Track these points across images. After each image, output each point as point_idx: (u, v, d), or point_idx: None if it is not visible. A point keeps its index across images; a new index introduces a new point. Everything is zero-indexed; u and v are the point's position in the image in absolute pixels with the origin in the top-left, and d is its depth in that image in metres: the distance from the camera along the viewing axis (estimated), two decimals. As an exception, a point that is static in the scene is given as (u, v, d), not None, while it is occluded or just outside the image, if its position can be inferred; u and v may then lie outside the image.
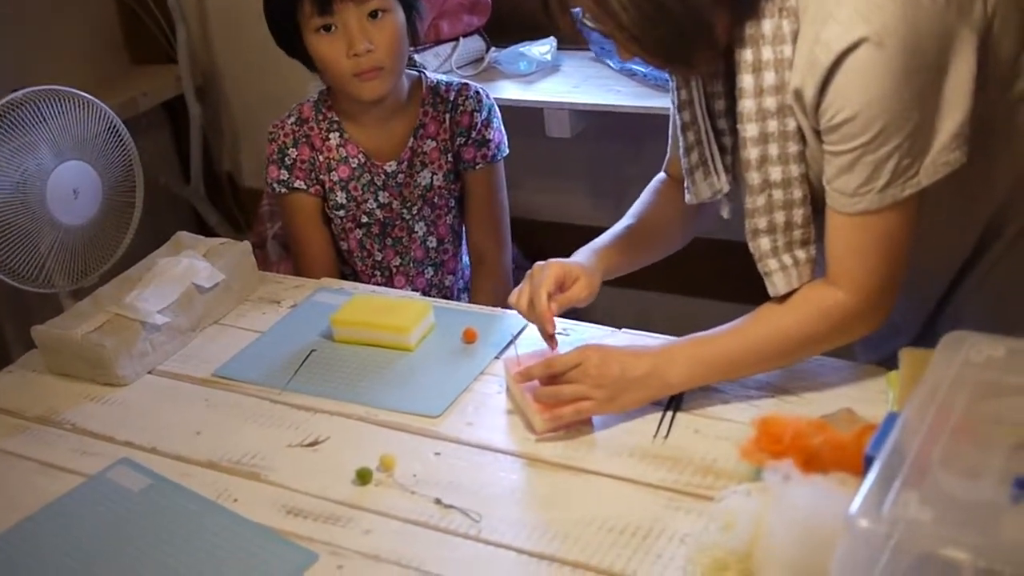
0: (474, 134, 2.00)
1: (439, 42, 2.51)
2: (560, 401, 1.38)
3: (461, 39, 2.53)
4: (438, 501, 1.31)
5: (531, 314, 1.49)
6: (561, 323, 1.60)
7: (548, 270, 1.48)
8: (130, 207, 2.35)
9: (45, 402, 1.63)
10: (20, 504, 1.39)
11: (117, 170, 2.29)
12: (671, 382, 1.39)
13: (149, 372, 1.67)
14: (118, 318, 1.67)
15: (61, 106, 2.15)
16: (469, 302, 2.03)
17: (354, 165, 2.00)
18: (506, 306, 1.59)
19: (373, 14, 1.83)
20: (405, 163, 2.00)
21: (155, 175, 2.94)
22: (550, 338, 1.49)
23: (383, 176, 2.00)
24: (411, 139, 1.99)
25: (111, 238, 2.31)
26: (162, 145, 3.23)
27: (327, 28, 1.83)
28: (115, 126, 2.26)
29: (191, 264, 1.77)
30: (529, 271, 1.51)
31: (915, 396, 1.06)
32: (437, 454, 1.40)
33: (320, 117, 2.01)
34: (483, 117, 2.00)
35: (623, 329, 1.59)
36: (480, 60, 2.56)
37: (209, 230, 3.19)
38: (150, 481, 1.41)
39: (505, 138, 2.06)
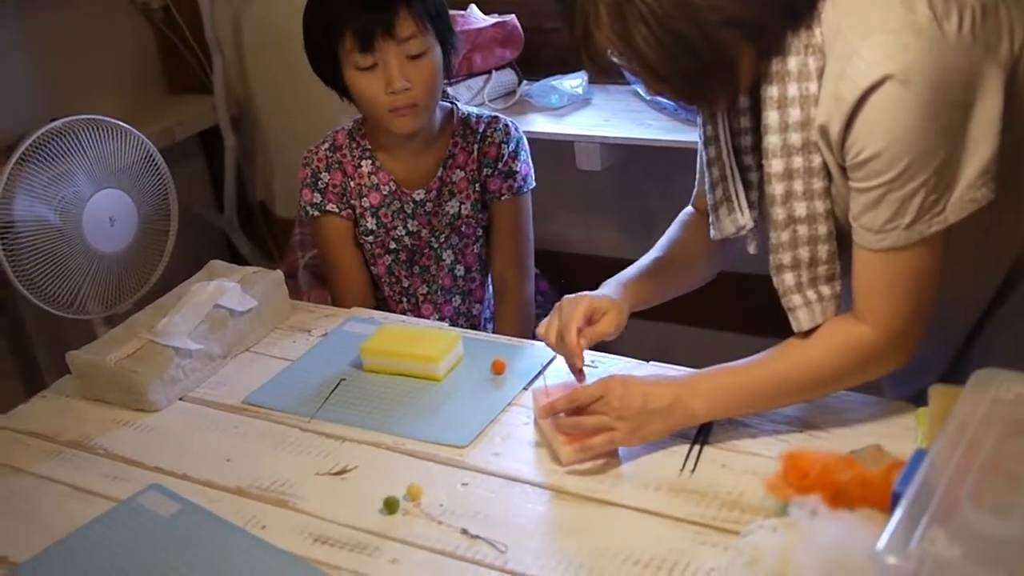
0: (500, 165, 2.02)
1: (472, 75, 2.53)
2: (583, 432, 1.39)
3: (494, 72, 2.55)
4: (464, 531, 1.31)
5: (560, 348, 1.50)
6: (589, 355, 1.60)
7: (578, 305, 1.49)
8: (164, 235, 2.38)
9: (78, 427, 1.65)
10: (52, 528, 1.41)
11: (152, 198, 2.33)
12: (695, 413, 1.39)
13: (181, 398, 1.68)
14: (151, 345, 1.69)
15: (99, 135, 2.19)
16: (493, 331, 2.04)
17: (385, 192, 2.02)
18: (527, 335, 1.60)
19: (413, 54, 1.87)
20: (434, 192, 2.02)
21: (189, 204, 2.97)
22: (579, 372, 1.49)
23: (412, 204, 2.02)
24: (440, 169, 2.02)
25: (145, 266, 2.35)
26: (197, 174, 3.27)
27: (368, 67, 1.87)
28: (151, 155, 2.30)
29: (220, 285, 1.79)
30: (558, 303, 1.52)
31: (944, 433, 1.06)
32: (464, 484, 1.40)
33: (353, 145, 2.04)
34: (510, 149, 2.03)
35: (651, 362, 1.59)
36: (512, 93, 2.58)
37: (241, 259, 3.22)
38: (180, 506, 1.42)
39: (532, 171, 2.07)
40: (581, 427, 1.39)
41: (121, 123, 2.25)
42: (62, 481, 1.52)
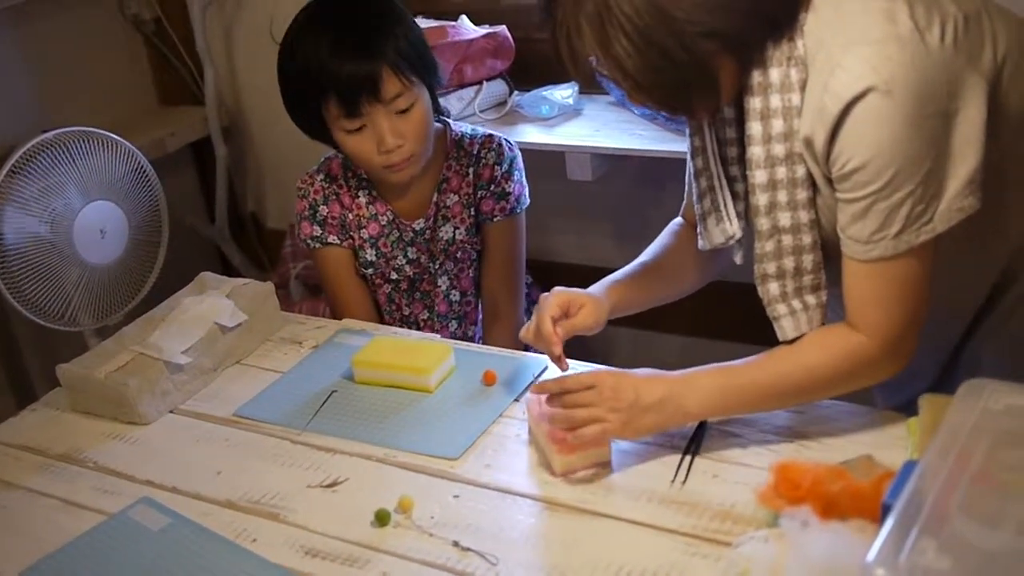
0: (493, 187, 1.98)
1: (463, 86, 2.53)
2: (574, 425, 1.38)
3: (484, 83, 2.55)
4: (456, 544, 1.31)
5: (538, 339, 1.51)
6: (581, 365, 1.61)
7: (552, 298, 1.51)
8: (155, 247, 2.38)
9: (68, 440, 1.64)
10: (42, 541, 1.40)
11: (143, 210, 2.33)
12: (688, 409, 1.38)
13: (171, 411, 1.68)
14: (141, 357, 1.69)
15: (90, 147, 2.19)
16: None
17: (383, 223, 2.00)
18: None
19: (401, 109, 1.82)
20: (431, 219, 2.00)
21: (181, 215, 2.97)
22: (558, 359, 1.50)
23: (411, 233, 2.00)
24: (435, 194, 1.99)
25: (136, 277, 2.35)
26: (188, 186, 3.27)
27: (356, 129, 1.82)
28: (142, 167, 2.30)
29: (214, 303, 1.78)
30: (537, 304, 1.53)
31: (933, 444, 1.06)
32: (455, 496, 1.40)
33: (349, 175, 2.00)
34: (503, 170, 1.99)
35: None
36: (503, 104, 2.58)
37: (233, 270, 3.22)
38: (170, 520, 1.41)
39: (526, 190, 2.03)
40: (572, 420, 1.38)
41: (112, 135, 2.25)
42: (52, 495, 1.51)
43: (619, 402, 1.36)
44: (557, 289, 1.53)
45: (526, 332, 1.53)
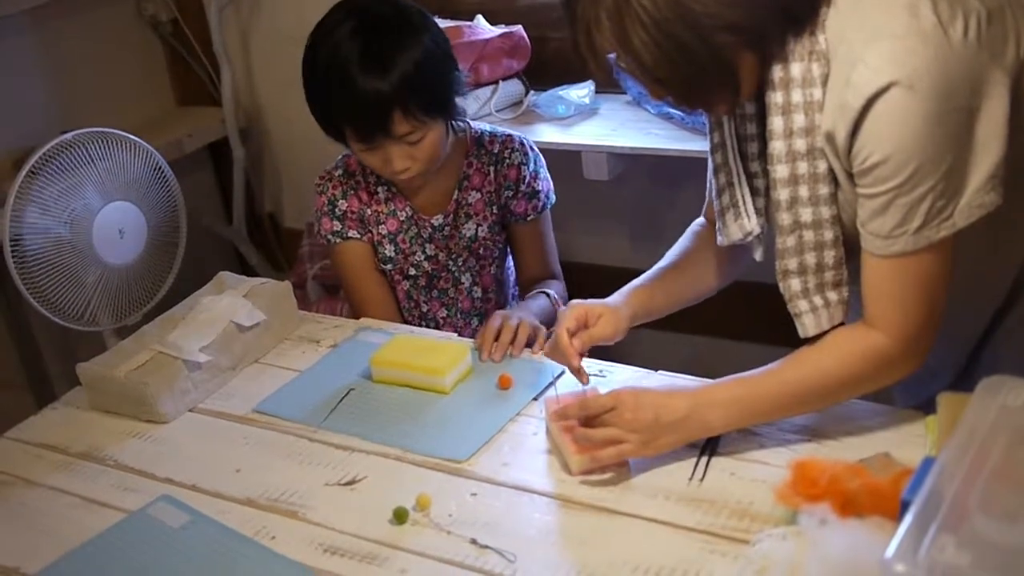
0: (523, 187, 1.99)
1: (479, 85, 2.53)
2: (593, 444, 1.39)
3: (501, 82, 2.55)
4: (474, 541, 1.31)
5: (555, 353, 1.51)
6: (598, 364, 1.61)
7: (568, 311, 1.52)
8: (174, 247, 2.39)
9: (88, 438, 1.65)
10: (62, 539, 1.41)
11: (162, 211, 2.34)
12: (711, 425, 1.38)
13: (190, 410, 1.69)
14: (161, 356, 1.70)
15: (108, 148, 2.20)
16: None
17: (402, 218, 2.00)
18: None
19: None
20: (451, 216, 2.00)
21: (198, 215, 2.98)
22: (578, 372, 1.50)
23: (430, 229, 2.01)
24: (456, 191, 1.99)
25: (155, 277, 2.36)
26: (206, 186, 3.28)
27: (369, 148, 1.84)
28: (160, 167, 2.31)
29: (232, 302, 1.79)
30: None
31: (952, 440, 1.06)
32: (473, 494, 1.40)
33: (367, 171, 2.00)
34: (531, 169, 2.00)
35: (659, 371, 1.60)
36: (519, 103, 2.58)
37: (250, 270, 3.23)
38: (189, 518, 1.42)
39: (551, 184, 2.05)
40: (591, 439, 1.39)
41: (130, 136, 2.26)
42: (73, 493, 1.52)
43: (638, 423, 1.36)
44: (574, 302, 1.54)
45: (544, 348, 1.54)
